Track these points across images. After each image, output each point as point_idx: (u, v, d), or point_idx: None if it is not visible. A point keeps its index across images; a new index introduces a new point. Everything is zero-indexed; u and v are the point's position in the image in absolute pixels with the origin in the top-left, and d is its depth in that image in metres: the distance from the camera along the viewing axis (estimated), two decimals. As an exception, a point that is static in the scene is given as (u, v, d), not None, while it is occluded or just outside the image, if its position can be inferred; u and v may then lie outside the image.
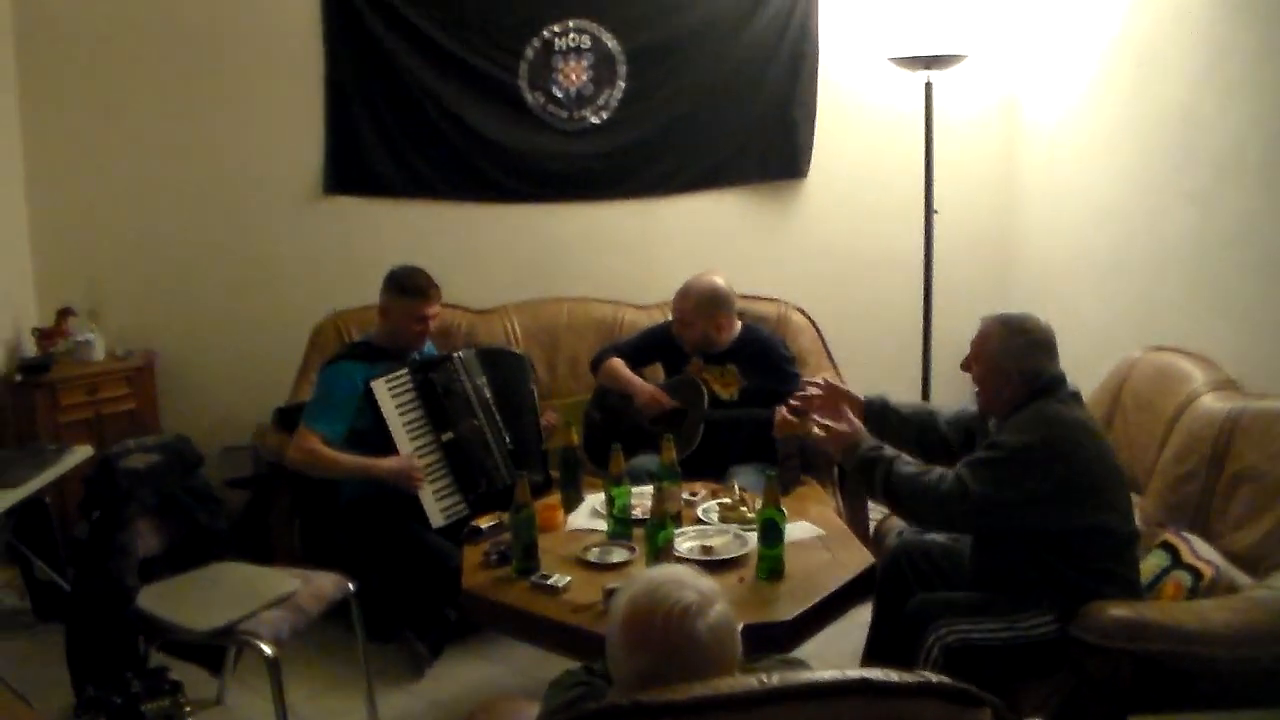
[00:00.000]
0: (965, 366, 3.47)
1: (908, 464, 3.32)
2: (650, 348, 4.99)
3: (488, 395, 4.58)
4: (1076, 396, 3.31)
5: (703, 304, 4.72)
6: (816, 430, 3.50)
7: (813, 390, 3.81)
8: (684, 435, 4.55)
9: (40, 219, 5.55)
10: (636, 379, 4.82)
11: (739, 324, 4.83)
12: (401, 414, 4.36)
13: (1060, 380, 3.30)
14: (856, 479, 3.40)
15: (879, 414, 3.71)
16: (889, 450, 3.38)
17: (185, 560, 3.91)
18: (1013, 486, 3.13)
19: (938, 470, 3.26)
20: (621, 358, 4.93)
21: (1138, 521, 3.52)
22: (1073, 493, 3.13)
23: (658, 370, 5.01)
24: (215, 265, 5.68)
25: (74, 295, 5.47)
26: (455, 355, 4.56)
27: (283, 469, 4.54)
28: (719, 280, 4.77)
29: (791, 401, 4.08)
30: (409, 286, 4.48)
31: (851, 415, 3.55)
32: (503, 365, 4.70)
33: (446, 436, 4.42)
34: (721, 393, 4.70)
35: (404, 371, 4.40)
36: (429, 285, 4.50)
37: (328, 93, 5.58)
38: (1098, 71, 4.94)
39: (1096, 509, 3.16)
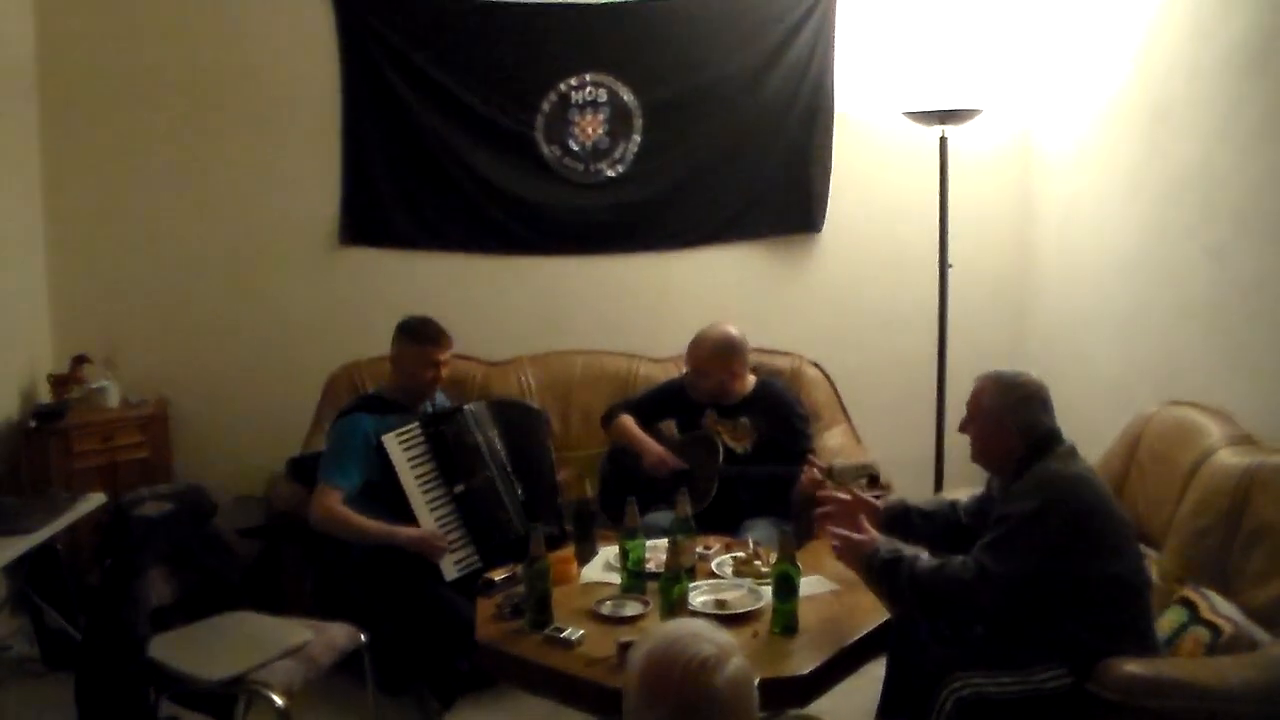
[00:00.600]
0: (963, 428, 3.48)
1: (928, 560, 3.28)
2: (663, 402, 4.97)
3: (499, 447, 4.57)
4: (1072, 451, 3.31)
5: (719, 352, 4.72)
6: (832, 543, 3.48)
7: (843, 496, 3.77)
8: (698, 491, 4.52)
9: (57, 266, 5.58)
10: (646, 439, 4.80)
11: (752, 377, 4.83)
12: (414, 467, 4.35)
13: (1055, 434, 3.32)
14: (879, 589, 3.36)
15: (901, 518, 3.69)
16: (908, 550, 3.34)
17: (197, 609, 3.89)
18: (1027, 554, 3.12)
19: (958, 559, 3.23)
20: (633, 413, 4.92)
21: (1155, 577, 3.52)
22: (1081, 546, 3.12)
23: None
24: (230, 314, 5.70)
25: (89, 342, 5.48)
26: (466, 407, 4.56)
27: (295, 519, 4.52)
28: (732, 329, 4.78)
29: (817, 463, 4.11)
30: (420, 333, 4.49)
31: (868, 525, 3.51)
32: (516, 417, 4.70)
33: (459, 489, 4.41)
34: (735, 446, 4.69)
35: (415, 425, 4.40)
36: (440, 333, 4.51)
37: (345, 144, 5.62)
38: (1113, 125, 4.96)
39: (1106, 559, 3.14)
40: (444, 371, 4.56)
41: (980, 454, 3.45)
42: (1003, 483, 3.40)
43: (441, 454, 4.42)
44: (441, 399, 4.71)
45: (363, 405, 4.55)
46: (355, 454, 4.35)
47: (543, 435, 4.76)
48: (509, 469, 4.57)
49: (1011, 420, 3.30)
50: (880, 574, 3.30)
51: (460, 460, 4.44)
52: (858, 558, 3.38)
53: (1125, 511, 3.38)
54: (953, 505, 3.73)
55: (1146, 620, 3.23)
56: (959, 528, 3.60)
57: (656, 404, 4.98)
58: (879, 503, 3.75)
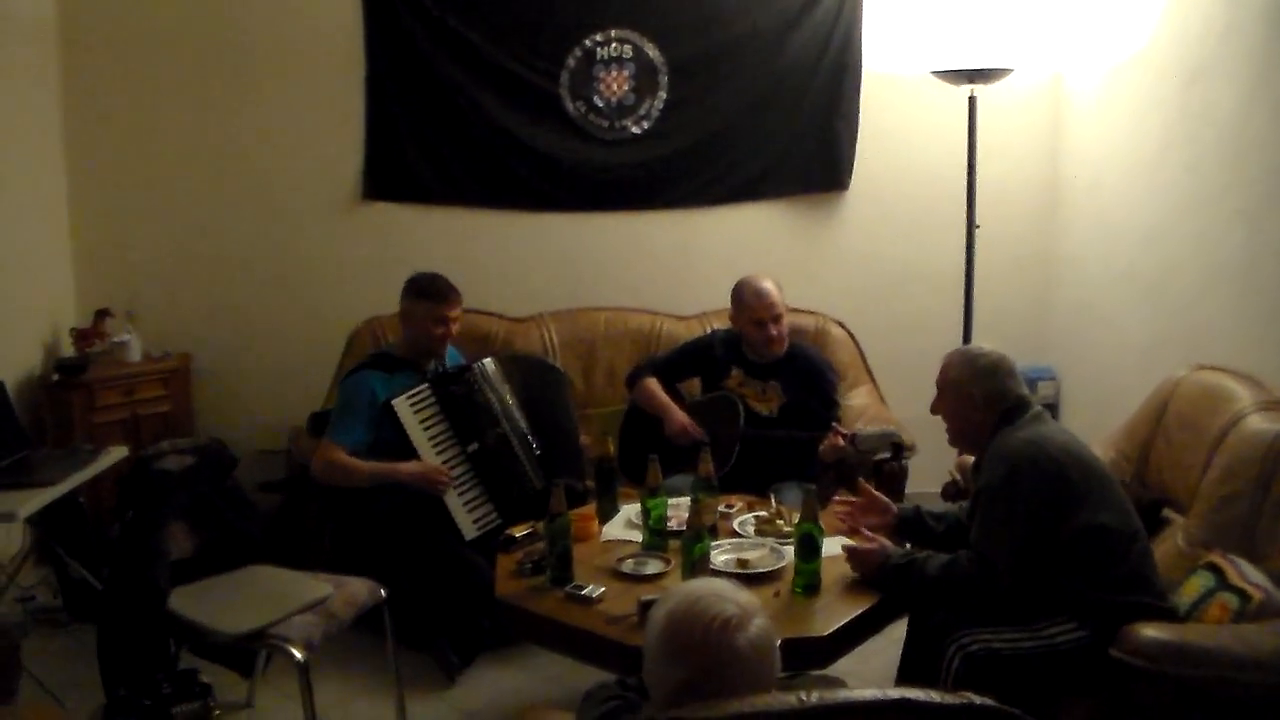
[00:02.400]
0: (934, 409, 3.51)
1: (937, 560, 3.28)
2: (689, 362, 4.94)
3: (513, 403, 4.57)
4: (1039, 415, 3.32)
5: (780, 296, 4.68)
6: (844, 553, 3.47)
7: (854, 499, 3.76)
8: (719, 454, 4.49)
9: (80, 221, 5.59)
10: (669, 405, 4.76)
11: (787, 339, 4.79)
12: (425, 429, 4.37)
13: (1022, 402, 3.33)
14: (892, 594, 3.35)
15: (913, 521, 3.67)
16: (918, 554, 3.35)
17: (217, 563, 3.89)
18: (1010, 521, 3.15)
19: (963, 554, 3.25)
20: (658, 373, 4.88)
21: (1180, 542, 3.49)
22: (1059, 501, 3.13)
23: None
24: (253, 269, 5.70)
25: (112, 297, 5.50)
26: (475, 365, 4.55)
27: (328, 485, 4.53)
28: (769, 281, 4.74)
29: (841, 430, 4.12)
30: (429, 290, 4.50)
31: (874, 535, 3.52)
32: (530, 372, 4.69)
33: (472, 448, 4.42)
34: (760, 409, 4.65)
35: (425, 387, 4.41)
36: (449, 289, 4.51)
37: (368, 99, 5.60)
38: (1145, 85, 4.88)
39: (1090, 511, 3.14)
40: (454, 329, 4.55)
41: (954, 433, 3.49)
42: (979, 459, 3.41)
43: (453, 414, 4.42)
44: (455, 356, 4.70)
45: (372, 363, 4.56)
46: (360, 413, 4.37)
47: (563, 392, 4.74)
48: (524, 425, 4.56)
49: (978, 390, 3.33)
50: (894, 580, 3.32)
51: (472, 419, 4.45)
52: (868, 567, 3.39)
53: (1102, 465, 3.37)
54: (961, 506, 3.71)
55: (1147, 566, 3.22)
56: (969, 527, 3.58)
57: (683, 363, 4.96)
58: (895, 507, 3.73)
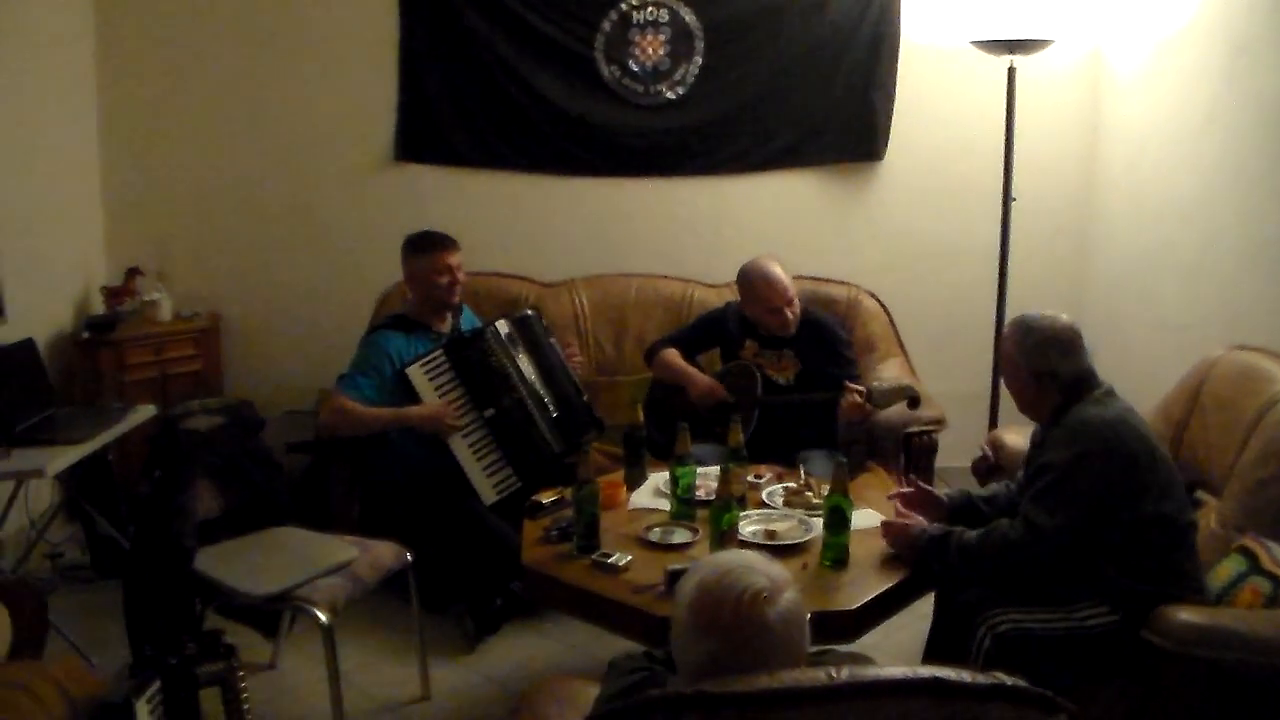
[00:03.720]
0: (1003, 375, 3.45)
1: (974, 531, 3.26)
2: (706, 334, 4.93)
3: (526, 365, 4.56)
4: (1110, 393, 3.25)
5: (788, 278, 4.65)
6: (878, 528, 3.46)
7: (904, 490, 3.72)
8: (740, 420, 4.48)
9: (112, 180, 5.60)
10: (692, 370, 4.75)
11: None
12: (441, 395, 4.37)
13: (1088, 377, 3.26)
14: (933, 567, 3.32)
15: (966, 507, 3.62)
16: (955, 527, 3.32)
17: (244, 523, 3.90)
18: (1072, 503, 3.09)
19: (1004, 521, 3.22)
20: (677, 347, 4.87)
21: (1214, 524, 3.45)
22: (1125, 489, 3.08)
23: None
24: (284, 230, 5.70)
25: (143, 255, 5.52)
26: (488, 329, 4.54)
27: (337, 434, 4.53)
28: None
29: (855, 387, 4.06)
30: (425, 242, 4.56)
31: (909, 512, 3.51)
32: (527, 330, 4.67)
33: (489, 412, 4.43)
34: (777, 377, 4.63)
35: (439, 353, 4.40)
36: (443, 237, 4.57)
37: (402, 60, 5.58)
38: (1189, 58, 4.81)
39: (1152, 500, 3.10)
40: (459, 275, 4.56)
41: (1017, 401, 3.42)
42: (1042, 429, 3.36)
43: (468, 379, 4.43)
44: (471, 319, 4.69)
45: (390, 324, 4.59)
46: (375, 373, 4.39)
47: (546, 335, 4.71)
48: (538, 386, 4.56)
49: (1028, 365, 3.26)
50: (929, 551, 3.29)
51: (487, 383, 4.45)
52: (905, 540, 3.37)
53: (1166, 451, 3.32)
54: (1008, 485, 3.67)
55: (1193, 562, 3.18)
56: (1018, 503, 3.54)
57: (701, 335, 4.94)
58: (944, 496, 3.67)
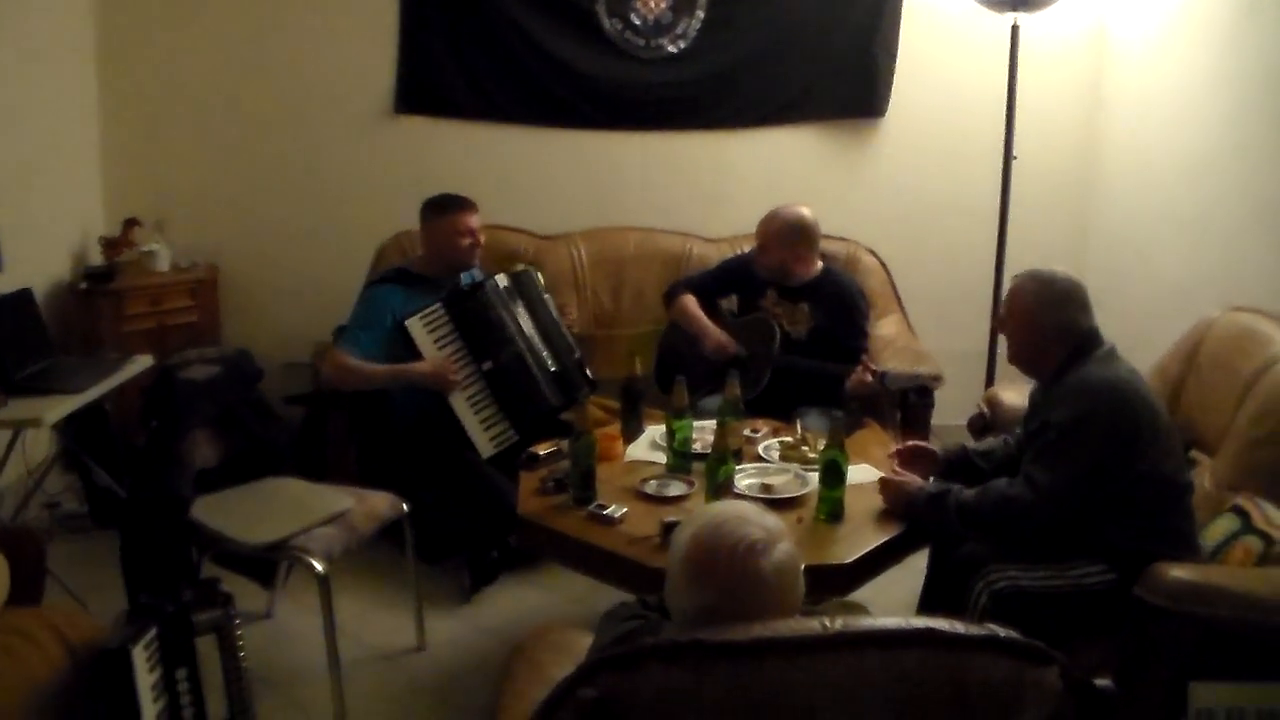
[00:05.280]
0: (1000, 327, 3.44)
1: (971, 488, 3.26)
2: (726, 280, 4.92)
3: (525, 320, 4.57)
4: (1112, 352, 3.24)
5: (785, 232, 4.64)
6: (874, 484, 3.47)
7: (899, 448, 3.72)
8: (751, 377, 4.48)
9: (110, 130, 5.57)
10: (707, 322, 4.74)
11: (820, 263, 4.74)
12: (440, 348, 4.37)
13: (1094, 335, 3.25)
14: (930, 525, 3.32)
15: (960, 461, 3.63)
16: (952, 485, 3.32)
17: (241, 473, 3.91)
18: (1074, 461, 3.09)
19: (1002, 479, 3.22)
20: (695, 290, 4.87)
21: (1207, 483, 3.46)
22: (1127, 449, 3.07)
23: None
24: (282, 181, 5.68)
25: (141, 206, 5.49)
26: (487, 282, 4.54)
27: (340, 389, 4.54)
28: (805, 212, 4.68)
29: (871, 367, 4.09)
30: (449, 203, 4.55)
31: (905, 471, 3.52)
32: (526, 285, 4.67)
33: (487, 365, 4.43)
34: (790, 330, 4.62)
35: (438, 305, 4.40)
36: (465, 198, 4.56)
37: (402, 11, 5.54)
38: (1194, 20, 4.79)
39: (1153, 460, 3.10)
40: (480, 238, 4.58)
41: (1017, 356, 3.39)
42: (1042, 387, 3.34)
43: (467, 332, 4.43)
44: (473, 273, 4.69)
45: (393, 277, 4.59)
46: (375, 327, 4.40)
47: (541, 291, 4.72)
48: (536, 341, 4.56)
49: (1049, 320, 3.23)
50: (927, 508, 3.29)
51: (486, 336, 4.45)
52: (902, 498, 3.37)
53: (1166, 411, 3.32)
54: (1005, 440, 3.68)
55: (1189, 522, 3.19)
56: (1018, 461, 3.54)
57: (719, 281, 4.93)
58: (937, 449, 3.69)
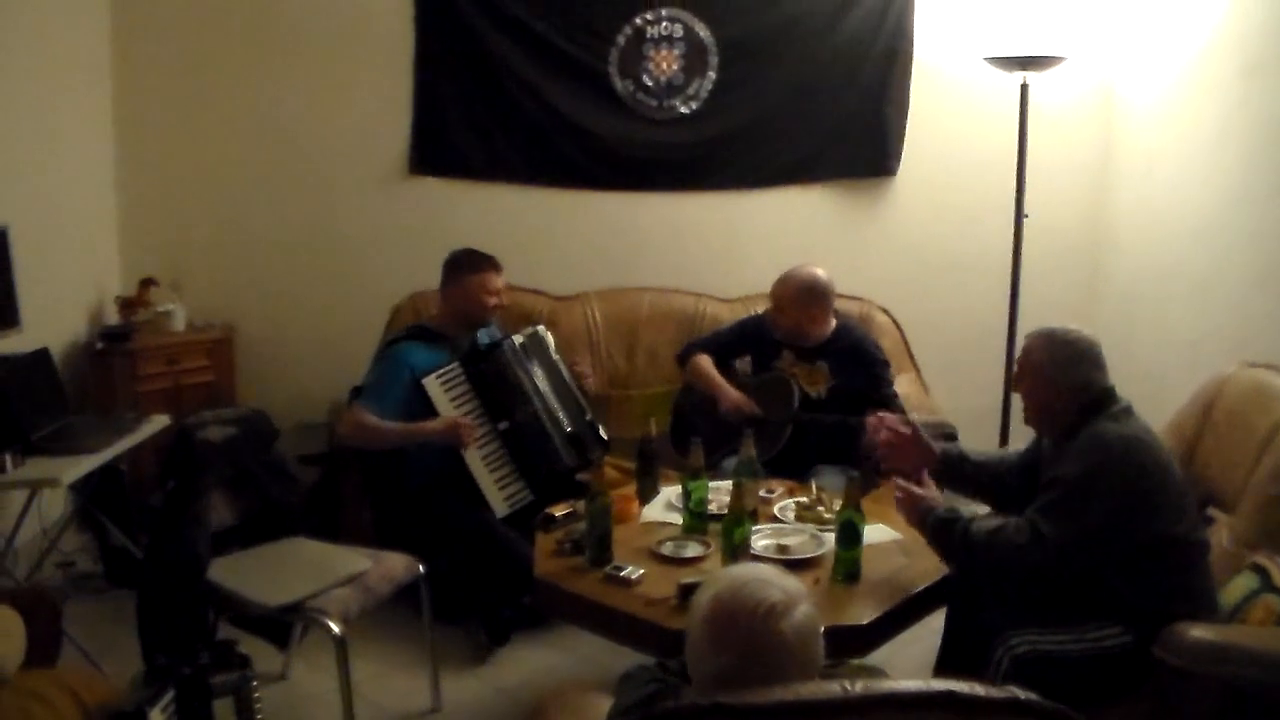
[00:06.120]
0: (1015, 386, 3.42)
1: (984, 522, 3.24)
2: (741, 340, 4.91)
3: (541, 380, 4.59)
4: (1128, 410, 3.23)
5: (801, 293, 4.65)
6: (895, 493, 3.43)
7: (902, 429, 3.71)
8: (770, 436, 4.48)
9: (128, 189, 5.63)
10: (722, 382, 4.73)
11: (834, 322, 4.76)
12: (457, 406, 4.39)
13: (1109, 393, 3.24)
14: (933, 543, 3.32)
15: (955, 464, 3.63)
16: (965, 512, 3.30)
17: (257, 534, 3.92)
18: (1082, 517, 3.07)
19: (1012, 521, 3.19)
20: (710, 351, 4.87)
21: (1225, 541, 3.44)
22: (1137, 507, 3.06)
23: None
24: (298, 241, 5.73)
25: (157, 266, 5.53)
26: (504, 343, 4.57)
27: (356, 447, 4.55)
28: (820, 273, 4.70)
29: (888, 416, 4.08)
30: (475, 261, 4.57)
31: (931, 483, 3.50)
32: (541, 345, 4.70)
33: (503, 425, 4.45)
34: (809, 390, 4.62)
35: (455, 365, 4.43)
36: (491, 257, 4.59)
37: (416, 73, 5.60)
38: (1201, 79, 4.82)
39: (1163, 520, 3.09)
40: (505, 299, 4.63)
41: (1033, 415, 3.37)
42: (1054, 442, 3.33)
43: (483, 392, 4.46)
44: (493, 331, 4.71)
45: (411, 335, 4.61)
46: (395, 387, 4.41)
47: (550, 352, 4.74)
48: (552, 401, 4.59)
49: (1063, 378, 3.23)
50: (935, 531, 3.27)
51: (503, 396, 4.48)
52: (914, 513, 3.34)
53: (1179, 471, 3.30)
54: (1002, 459, 3.67)
55: (1205, 581, 3.17)
56: (1007, 485, 3.54)
57: (734, 342, 4.92)
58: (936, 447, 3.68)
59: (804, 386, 4.62)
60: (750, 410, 4.59)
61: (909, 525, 3.39)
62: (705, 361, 4.82)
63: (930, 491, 3.43)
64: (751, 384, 4.73)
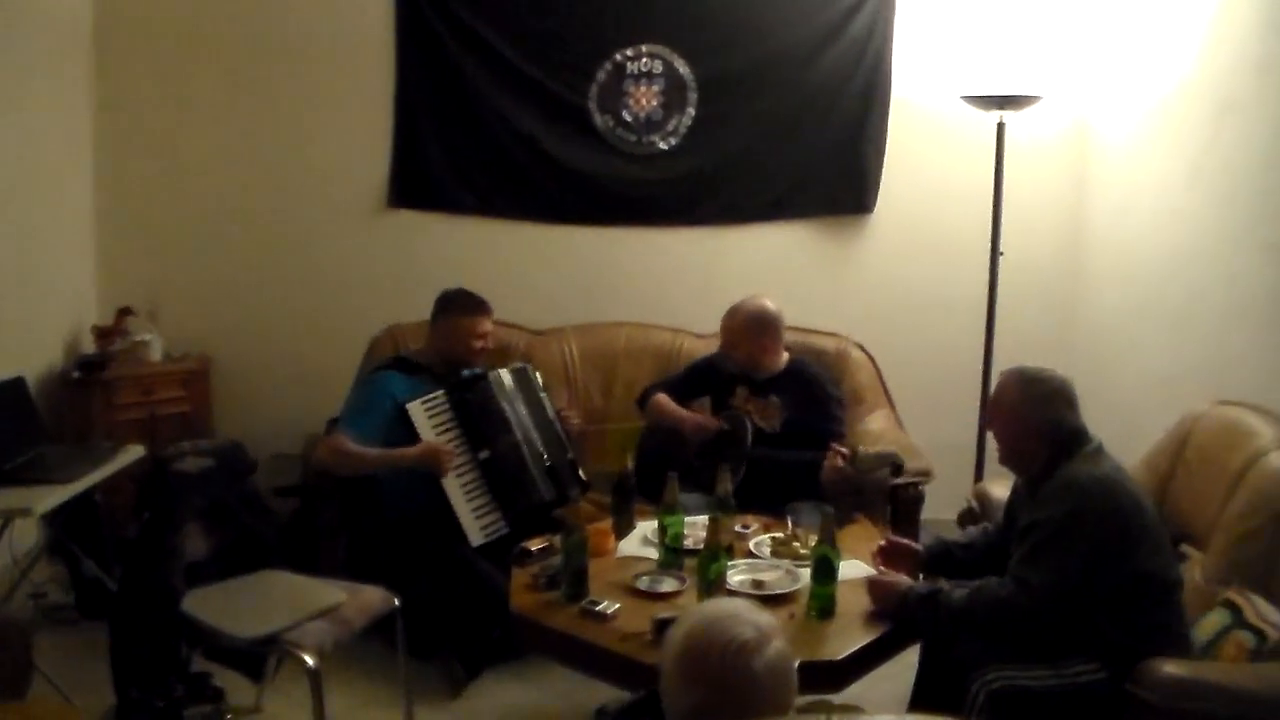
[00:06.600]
0: (988, 426, 3.45)
1: (960, 586, 3.25)
2: (695, 381, 4.93)
3: (523, 413, 4.61)
4: (1100, 449, 3.26)
5: (750, 325, 4.67)
6: (863, 582, 3.46)
7: (880, 543, 3.74)
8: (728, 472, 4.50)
9: (105, 219, 5.62)
10: (682, 410, 4.76)
11: (786, 354, 4.77)
12: (439, 434, 4.40)
13: (1081, 433, 3.27)
14: (920, 626, 3.33)
15: (942, 555, 3.65)
16: (942, 583, 3.33)
17: (232, 566, 3.90)
18: (1063, 560, 3.09)
19: (993, 580, 3.21)
20: (668, 393, 4.88)
21: (1198, 578, 3.47)
22: (1116, 547, 3.08)
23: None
24: (275, 273, 5.72)
25: (134, 296, 5.52)
26: (490, 374, 4.59)
27: (331, 480, 4.55)
28: (768, 303, 4.72)
29: (840, 449, 4.10)
30: (467, 304, 4.58)
31: (893, 572, 3.51)
32: (526, 381, 4.72)
33: (484, 455, 4.46)
34: (763, 424, 4.62)
35: (440, 393, 4.45)
36: (483, 301, 4.60)
37: (396, 106, 5.62)
38: (1174, 117, 4.87)
39: (1141, 558, 3.11)
40: (491, 343, 4.66)
41: (1005, 454, 3.40)
42: (1029, 484, 3.36)
43: (466, 421, 4.47)
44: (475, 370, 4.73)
45: (394, 365, 4.62)
46: (376, 413, 4.42)
47: (538, 390, 4.76)
48: (534, 435, 4.60)
49: (1035, 417, 3.25)
50: (917, 608, 3.27)
51: (485, 426, 4.49)
52: (892, 599, 3.34)
53: (1154, 508, 3.33)
54: (985, 529, 3.69)
55: (1179, 617, 3.20)
56: (999, 553, 3.53)
57: (689, 383, 4.94)
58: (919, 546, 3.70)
59: (758, 421, 4.63)
60: (716, 425, 4.61)
61: (885, 614, 3.35)
62: (663, 397, 4.84)
63: (899, 576, 3.45)
64: None
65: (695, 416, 4.70)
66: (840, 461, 4.17)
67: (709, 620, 1.91)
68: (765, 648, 1.87)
